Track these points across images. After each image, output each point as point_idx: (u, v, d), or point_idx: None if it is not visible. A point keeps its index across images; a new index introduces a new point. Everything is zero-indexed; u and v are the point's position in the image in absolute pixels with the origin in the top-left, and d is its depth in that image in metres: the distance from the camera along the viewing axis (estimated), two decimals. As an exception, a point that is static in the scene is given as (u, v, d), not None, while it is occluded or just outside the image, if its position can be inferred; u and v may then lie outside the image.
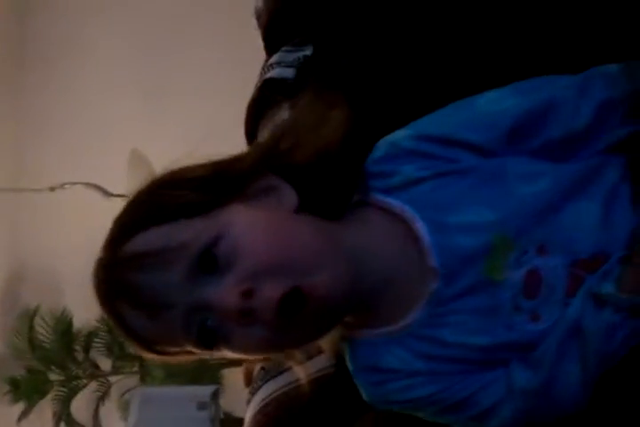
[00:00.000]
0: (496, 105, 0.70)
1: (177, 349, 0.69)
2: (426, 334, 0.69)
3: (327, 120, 0.73)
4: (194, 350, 0.68)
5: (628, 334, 0.64)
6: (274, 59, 1.23)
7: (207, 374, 2.12)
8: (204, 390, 1.69)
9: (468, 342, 0.68)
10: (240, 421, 1.21)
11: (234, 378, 2.01)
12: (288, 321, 0.63)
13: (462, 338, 0.68)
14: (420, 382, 0.70)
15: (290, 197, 0.70)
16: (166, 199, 0.68)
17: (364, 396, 0.74)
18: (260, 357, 0.72)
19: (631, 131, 0.70)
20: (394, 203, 0.70)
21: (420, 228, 0.68)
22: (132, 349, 2.07)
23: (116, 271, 0.66)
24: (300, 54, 1.20)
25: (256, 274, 0.63)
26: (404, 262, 0.70)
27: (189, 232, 0.65)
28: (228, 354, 0.68)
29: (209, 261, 0.64)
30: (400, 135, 0.72)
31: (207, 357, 0.76)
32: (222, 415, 1.71)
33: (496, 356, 0.69)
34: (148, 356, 0.71)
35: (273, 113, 1.05)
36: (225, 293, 0.63)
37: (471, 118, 0.70)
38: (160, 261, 0.65)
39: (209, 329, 0.65)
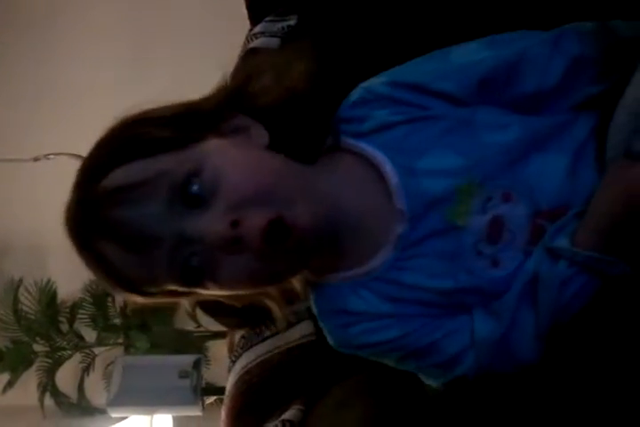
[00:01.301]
0: (470, 56, 0.72)
1: (159, 288, 0.68)
2: (392, 277, 0.70)
3: (293, 64, 0.74)
4: (177, 287, 0.68)
5: (580, 287, 0.66)
6: (258, 28, 1.23)
7: (192, 345, 2.14)
8: (186, 359, 1.71)
9: (431, 286, 0.70)
10: (222, 389, 1.23)
11: (218, 350, 2.03)
12: (273, 250, 0.64)
13: (426, 281, 0.70)
14: (386, 325, 0.71)
15: (261, 135, 0.71)
16: (141, 135, 0.67)
17: (330, 340, 0.75)
18: (242, 292, 0.70)
19: (601, 89, 0.71)
20: (365, 147, 0.71)
21: (389, 171, 0.70)
22: (117, 320, 2.04)
23: (96, 208, 0.65)
24: (285, 24, 1.20)
25: (242, 204, 0.64)
26: (373, 205, 0.71)
27: (168, 163, 0.65)
28: (209, 292, 0.68)
29: (192, 194, 0.64)
30: (375, 82, 0.73)
31: (189, 308, 0.77)
32: (204, 384, 1.73)
33: (458, 300, 0.71)
34: (130, 298, 0.70)
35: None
36: (214, 223, 0.63)
37: (445, 68, 0.72)
38: (141, 194, 0.64)
39: (195, 264, 0.64)
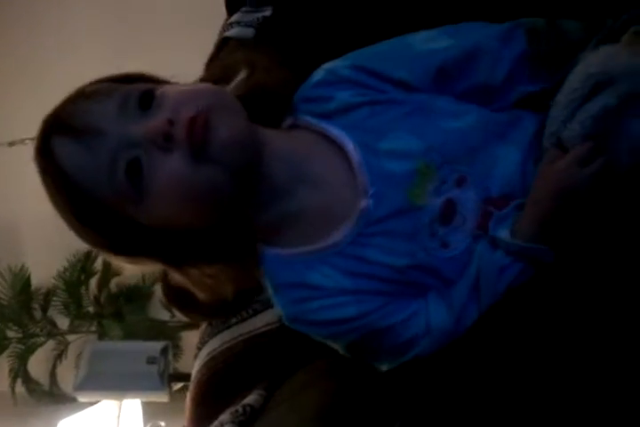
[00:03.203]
0: (429, 45, 0.75)
1: (105, 195, 0.69)
2: (353, 253, 0.72)
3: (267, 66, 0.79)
4: (120, 198, 0.69)
5: (517, 275, 0.69)
6: (233, 18, 1.24)
7: (165, 335, 2.14)
8: (154, 346, 1.72)
9: (391, 263, 0.72)
10: (189, 376, 1.24)
11: (192, 339, 2.03)
12: (198, 149, 0.66)
13: (387, 258, 0.72)
14: (345, 302, 0.72)
15: None
16: (126, 76, 0.76)
17: (284, 314, 0.76)
18: (186, 204, 0.70)
19: (543, 87, 0.75)
20: (327, 127, 0.74)
21: (352, 150, 0.73)
22: (91, 307, 2.03)
23: (61, 105, 0.72)
24: (260, 15, 1.21)
25: (178, 105, 0.68)
26: (335, 179, 0.74)
27: (133, 86, 0.72)
28: (154, 205, 0.69)
29: (146, 99, 0.69)
30: (338, 64, 0.76)
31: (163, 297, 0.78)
32: (172, 371, 1.73)
33: (415, 278, 0.73)
34: (72, 223, 0.72)
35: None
36: (154, 120, 0.67)
37: (405, 56, 0.75)
38: (98, 95, 0.70)
39: (137, 164, 0.67)
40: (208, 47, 1.24)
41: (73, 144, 0.69)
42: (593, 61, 0.69)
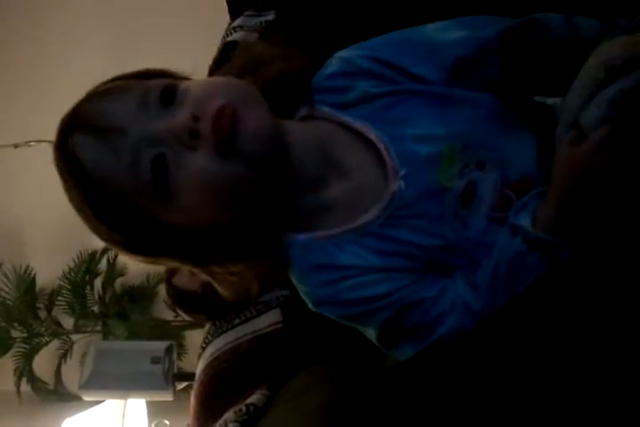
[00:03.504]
0: (444, 35, 0.75)
1: (128, 191, 0.69)
2: (384, 233, 0.73)
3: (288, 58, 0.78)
4: (145, 197, 0.69)
5: (532, 265, 0.70)
6: (236, 22, 1.25)
7: (169, 334, 2.16)
8: (159, 346, 1.73)
9: (423, 243, 0.73)
10: (193, 375, 1.25)
11: (196, 339, 2.05)
12: (225, 144, 0.67)
13: (419, 239, 0.73)
14: (375, 280, 0.73)
15: None
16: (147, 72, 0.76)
17: (312, 299, 0.75)
18: (211, 197, 0.70)
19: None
20: (347, 118, 0.74)
21: (376, 137, 0.73)
22: (95, 307, 2.05)
23: (81, 102, 0.72)
24: (262, 19, 1.22)
25: (202, 100, 0.68)
26: (363, 167, 0.74)
27: (154, 82, 0.72)
28: (178, 200, 0.69)
29: (169, 95, 0.69)
30: (354, 54, 0.76)
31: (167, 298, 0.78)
32: (176, 370, 1.75)
33: (444, 258, 0.74)
34: (91, 222, 0.72)
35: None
36: (177, 116, 0.68)
37: (421, 49, 0.75)
38: (119, 92, 0.71)
39: (161, 161, 0.67)
40: (211, 50, 1.25)
41: (94, 143, 0.69)
42: (607, 49, 0.69)
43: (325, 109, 0.75)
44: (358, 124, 0.74)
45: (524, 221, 0.70)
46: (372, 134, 0.73)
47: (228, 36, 1.26)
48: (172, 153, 0.67)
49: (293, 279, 0.76)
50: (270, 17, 1.22)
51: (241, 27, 1.24)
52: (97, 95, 0.71)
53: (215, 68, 1.19)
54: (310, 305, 0.76)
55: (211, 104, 0.67)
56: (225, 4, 1.32)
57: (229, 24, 1.29)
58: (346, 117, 0.74)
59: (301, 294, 0.76)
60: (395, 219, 0.73)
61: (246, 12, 1.25)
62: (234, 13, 1.28)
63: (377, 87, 0.74)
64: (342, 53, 0.77)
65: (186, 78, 0.76)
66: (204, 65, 1.15)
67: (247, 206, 0.71)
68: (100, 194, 0.69)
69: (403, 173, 0.72)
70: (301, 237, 0.74)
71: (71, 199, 0.72)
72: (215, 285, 0.77)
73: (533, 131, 0.75)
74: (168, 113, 0.68)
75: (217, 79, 0.75)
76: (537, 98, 0.80)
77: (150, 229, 0.71)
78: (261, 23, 1.23)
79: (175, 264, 0.77)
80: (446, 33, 0.75)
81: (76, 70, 2.21)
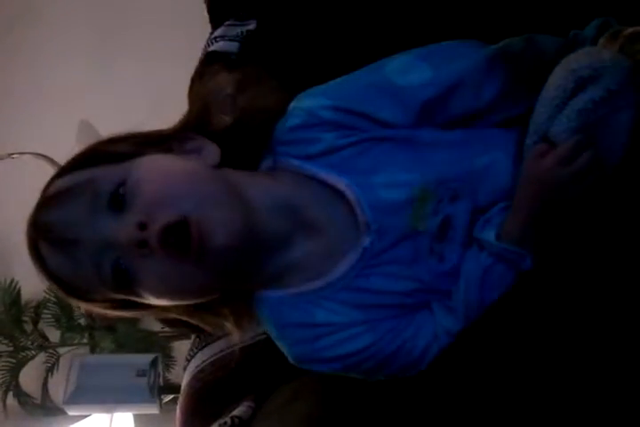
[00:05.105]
0: (408, 78, 0.73)
1: (97, 293, 0.71)
2: (358, 286, 0.72)
3: (250, 89, 0.77)
4: (113, 294, 0.70)
5: (498, 278, 0.70)
6: (218, 32, 1.24)
7: (157, 346, 2.14)
8: (144, 358, 1.72)
9: (398, 289, 0.72)
10: (179, 388, 1.24)
11: (183, 350, 2.03)
12: (177, 254, 0.65)
13: (393, 286, 0.72)
14: (357, 333, 0.72)
15: (212, 154, 0.73)
16: (96, 149, 0.74)
17: (292, 355, 0.75)
18: (178, 302, 0.72)
19: (528, 106, 0.74)
20: (314, 169, 0.73)
21: (346, 188, 0.72)
22: (82, 320, 2.04)
23: (37, 212, 0.71)
24: (244, 29, 1.22)
25: (151, 207, 0.65)
26: (334, 222, 0.73)
27: (99, 173, 0.70)
28: (146, 300, 0.70)
29: (117, 200, 0.67)
30: (316, 104, 0.74)
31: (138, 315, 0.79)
32: (162, 383, 1.73)
33: (422, 299, 0.73)
34: (80, 305, 0.74)
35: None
36: (124, 224, 0.66)
37: (386, 95, 0.73)
38: (68, 199, 0.69)
39: (121, 268, 0.67)
40: (193, 60, 1.25)
41: (56, 253, 0.69)
42: (574, 59, 0.69)
43: (291, 161, 0.73)
44: (326, 175, 0.72)
45: (489, 235, 0.70)
46: (341, 185, 0.72)
47: (209, 46, 1.25)
48: (126, 259, 0.66)
49: (271, 335, 0.76)
50: (252, 26, 1.22)
51: (222, 37, 1.24)
52: (48, 202, 0.71)
53: (197, 78, 1.18)
54: (291, 360, 0.75)
55: (159, 215, 0.65)
56: (206, 14, 1.32)
57: (210, 34, 1.29)
58: (313, 169, 0.73)
59: (281, 350, 0.76)
60: (367, 269, 0.72)
61: (227, 22, 1.24)
62: (215, 22, 1.28)
63: (343, 138, 0.72)
64: (302, 103, 0.74)
65: (137, 149, 0.72)
66: (187, 75, 1.14)
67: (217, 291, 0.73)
68: (75, 292, 0.72)
69: (374, 228, 0.71)
70: (273, 294, 0.74)
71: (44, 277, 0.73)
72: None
73: (504, 148, 0.74)
74: (118, 218, 0.67)
75: (171, 175, 0.69)
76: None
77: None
78: (242, 33, 1.22)
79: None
80: (409, 75, 0.73)
81: (58, 81, 2.21)
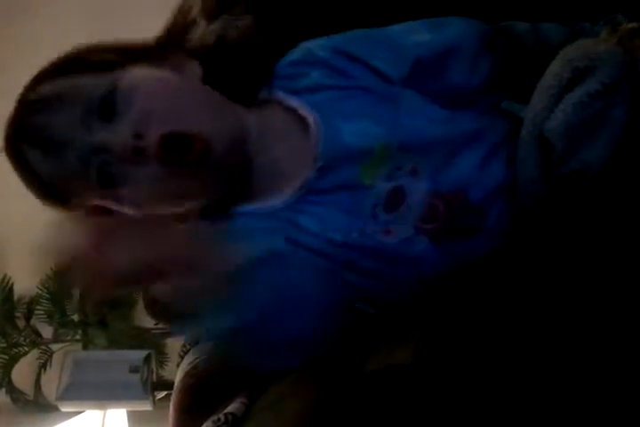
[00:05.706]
0: (409, 37, 0.76)
1: (79, 195, 0.72)
2: (288, 217, 0.74)
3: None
4: (93, 193, 0.71)
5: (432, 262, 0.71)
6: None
7: (150, 342, 2.14)
8: (137, 354, 1.72)
9: (322, 234, 0.73)
10: (172, 384, 1.24)
11: (178, 347, 2.03)
12: (176, 161, 0.67)
13: (318, 228, 0.73)
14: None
15: (193, 70, 0.76)
16: (79, 57, 0.75)
17: None
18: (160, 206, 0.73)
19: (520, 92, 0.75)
20: (293, 101, 0.76)
21: (313, 122, 0.74)
22: (75, 316, 2.02)
23: (22, 114, 0.72)
24: (240, 23, 1.21)
25: (147, 119, 0.68)
26: (293, 149, 0.76)
27: (90, 81, 0.71)
28: (126, 204, 0.71)
29: (107, 108, 0.69)
30: (319, 44, 0.78)
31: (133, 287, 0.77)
32: (155, 379, 1.73)
33: (348, 257, 0.73)
34: (51, 206, 0.75)
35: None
36: (118, 134, 0.68)
37: (384, 45, 0.76)
38: (59, 103, 0.70)
39: (108, 171, 0.68)
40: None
41: (40, 154, 0.70)
42: (572, 50, 0.70)
43: (279, 93, 0.78)
44: (301, 107, 0.76)
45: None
46: (310, 118, 0.75)
47: (204, 41, 1.25)
48: (117, 165, 0.68)
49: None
50: (248, 21, 1.22)
51: (217, 31, 1.24)
52: (34, 106, 0.72)
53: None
54: None
55: (156, 126, 0.67)
56: (202, 10, 1.31)
57: (206, 29, 1.28)
58: (295, 102, 0.76)
59: None
60: (302, 204, 0.74)
61: (223, 17, 1.24)
62: (210, 19, 1.27)
63: (327, 78, 0.76)
64: (307, 42, 0.79)
65: (125, 57, 0.74)
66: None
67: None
68: (58, 194, 0.73)
69: (322, 163, 0.72)
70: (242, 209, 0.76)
71: (23, 180, 0.75)
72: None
73: (482, 145, 0.74)
74: (108, 127, 0.68)
75: (162, 85, 0.73)
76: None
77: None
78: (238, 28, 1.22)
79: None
80: (411, 35, 0.76)
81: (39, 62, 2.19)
